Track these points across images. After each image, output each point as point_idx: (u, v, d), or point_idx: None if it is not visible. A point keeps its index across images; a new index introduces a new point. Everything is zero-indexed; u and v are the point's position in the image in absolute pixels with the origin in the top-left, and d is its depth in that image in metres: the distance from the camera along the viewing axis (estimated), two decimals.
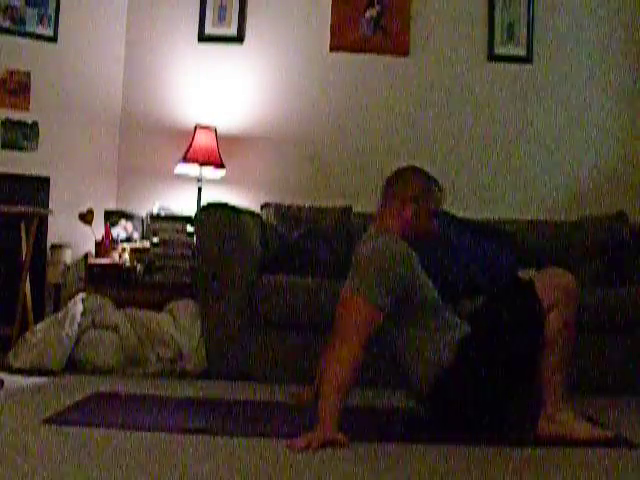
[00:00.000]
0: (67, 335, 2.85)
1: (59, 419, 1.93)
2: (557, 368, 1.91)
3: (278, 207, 3.43)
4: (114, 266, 3.27)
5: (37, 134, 3.65)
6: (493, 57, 3.92)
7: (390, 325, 1.96)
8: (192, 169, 3.68)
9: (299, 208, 3.42)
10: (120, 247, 3.40)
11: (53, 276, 3.49)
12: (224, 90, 3.94)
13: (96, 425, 1.89)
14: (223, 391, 2.59)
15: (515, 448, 1.82)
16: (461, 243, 3.08)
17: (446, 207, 3.36)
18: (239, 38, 3.94)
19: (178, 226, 3.37)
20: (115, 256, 3.36)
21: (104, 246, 3.38)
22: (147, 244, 3.39)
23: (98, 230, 3.52)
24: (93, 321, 2.96)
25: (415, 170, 2.16)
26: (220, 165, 3.69)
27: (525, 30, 3.91)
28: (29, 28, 3.64)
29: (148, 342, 2.92)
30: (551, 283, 1.94)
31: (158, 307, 3.11)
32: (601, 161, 3.89)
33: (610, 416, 2.27)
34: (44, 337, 2.84)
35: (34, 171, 3.62)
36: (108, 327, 2.95)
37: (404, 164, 2.22)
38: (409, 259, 1.95)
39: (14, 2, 3.60)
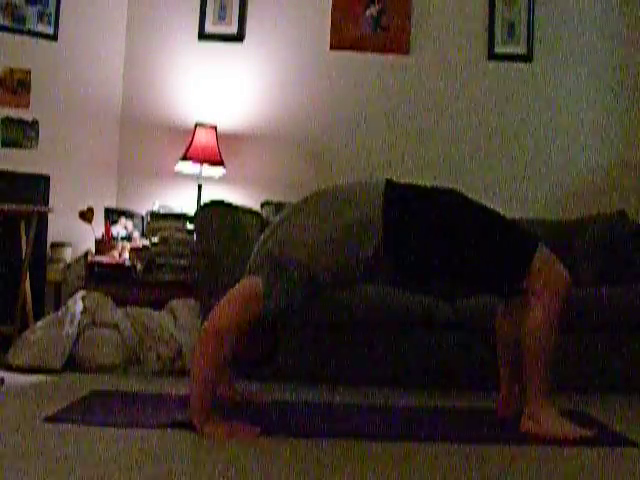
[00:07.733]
0: (67, 333, 2.86)
1: (60, 417, 1.93)
2: (538, 364, 1.94)
3: (278, 205, 3.42)
4: (114, 264, 3.27)
5: (37, 132, 3.65)
6: (493, 56, 3.93)
7: None
8: (192, 167, 3.68)
9: None
10: (120, 245, 3.40)
11: (53, 274, 3.49)
12: (224, 88, 3.94)
13: (96, 423, 1.89)
14: None
15: (514, 446, 1.82)
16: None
17: None
18: (239, 36, 3.94)
19: (178, 224, 3.37)
20: (115, 254, 3.36)
21: (104, 244, 3.38)
22: (147, 242, 3.39)
23: (98, 228, 3.52)
24: (93, 319, 2.96)
25: None
26: (220, 163, 3.69)
27: (525, 29, 3.91)
28: (29, 26, 3.64)
29: (148, 340, 2.92)
30: (547, 277, 1.97)
31: (158, 305, 3.12)
32: (601, 161, 3.90)
33: (612, 416, 2.27)
34: (44, 335, 2.84)
35: (34, 169, 3.62)
36: (108, 325, 2.95)
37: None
38: None
39: (15, 0, 3.60)
